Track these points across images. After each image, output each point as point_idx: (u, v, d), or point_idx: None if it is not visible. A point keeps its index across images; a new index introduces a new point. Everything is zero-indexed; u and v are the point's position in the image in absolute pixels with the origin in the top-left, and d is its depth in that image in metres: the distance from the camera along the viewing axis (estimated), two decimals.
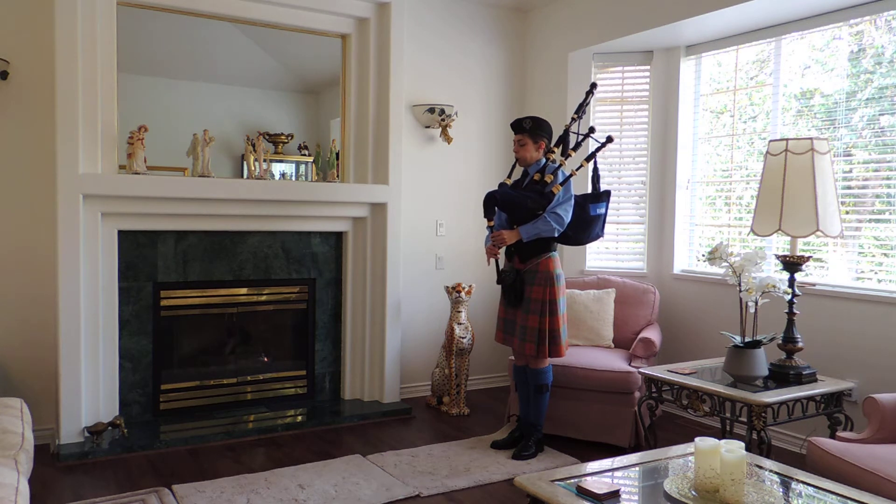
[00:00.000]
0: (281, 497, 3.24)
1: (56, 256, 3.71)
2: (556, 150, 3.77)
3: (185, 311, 4.27)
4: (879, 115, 3.75)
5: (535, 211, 3.62)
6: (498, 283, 3.79)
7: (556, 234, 3.67)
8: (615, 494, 2.24)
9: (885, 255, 3.78)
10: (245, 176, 4.37)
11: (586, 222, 3.79)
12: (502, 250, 3.81)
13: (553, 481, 2.36)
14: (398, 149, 4.63)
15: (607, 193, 3.85)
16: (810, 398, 3.17)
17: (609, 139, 3.78)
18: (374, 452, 3.86)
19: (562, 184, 3.64)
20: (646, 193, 4.92)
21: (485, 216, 3.78)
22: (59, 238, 3.67)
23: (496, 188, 3.83)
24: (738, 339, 3.25)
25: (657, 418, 3.85)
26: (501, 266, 3.84)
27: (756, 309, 3.25)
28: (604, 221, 3.86)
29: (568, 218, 3.67)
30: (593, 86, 3.86)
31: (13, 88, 3.77)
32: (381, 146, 4.63)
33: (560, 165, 3.71)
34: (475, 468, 3.64)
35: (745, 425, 3.04)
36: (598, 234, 3.88)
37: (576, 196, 3.76)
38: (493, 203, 3.71)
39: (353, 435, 4.19)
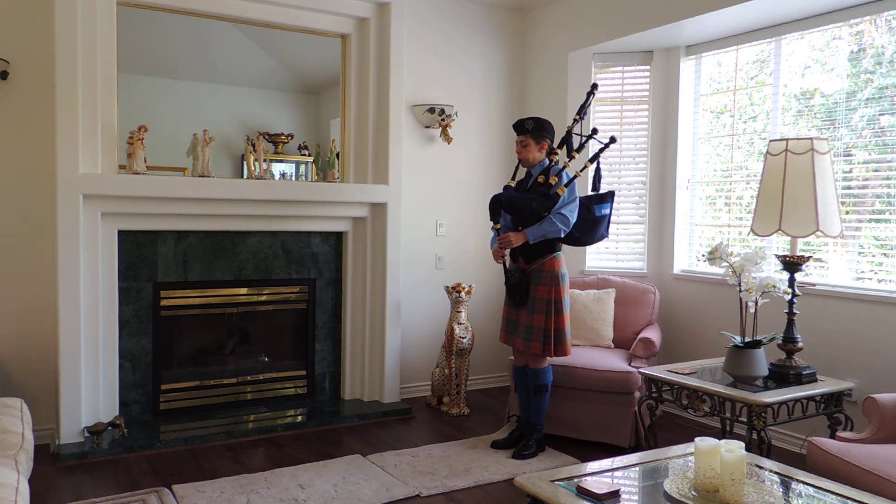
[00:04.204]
0: (281, 497, 3.24)
1: (56, 256, 3.71)
2: (559, 151, 3.78)
3: (185, 311, 4.27)
4: (879, 115, 3.75)
5: (541, 213, 3.63)
6: (506, 284, 3.80)
7: (562, 235, 3.68)
8: (615, 494, 2.24)
9: (885, 255, 3.78)
10: (245, 176, 4.37)
11: (592, 223, 3.80)
12: (508, 251, 3.81)
13: (553, 481, 2.36)
14: (398, 149, 4.62)
15: (611, 194, 3.86)
16: (810, 398, 3.17)
17: (612, 140, 3.79)
18: (374, 452, 3.86)
19: (566, 185, 3.65)
20: (646, 193, 4.92)
21: (490, 219, 3.79)
22: (59, 238, 3.67)
23: (500, 191, 3.84)
24: (738, 339, 3.25)
25: (657, 418, 3.85)
26: (507, 266, 3.84)
27: (756, 309, 3.25)
28: (609, 221, 3.87)
29: (573, 218, 3.68)
30: (594, 86, 3.87)
31: (13, 88, 3.77)
32: (381, 146, 4.63)
33: (564, 167, 3.71)
34: (475, 468, 3.64)
35: (745, 425, 3.04)
36: (604, 235, 3.89)
37: (581, 197, 3.77)
38: (499, 206, 3.72)
39: (353, 435, 4.19)
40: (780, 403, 3.04)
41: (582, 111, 3.81)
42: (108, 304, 3.92)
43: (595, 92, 3.85)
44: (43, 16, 3.78)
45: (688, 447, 2.67)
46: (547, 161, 3.76)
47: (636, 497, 2.37)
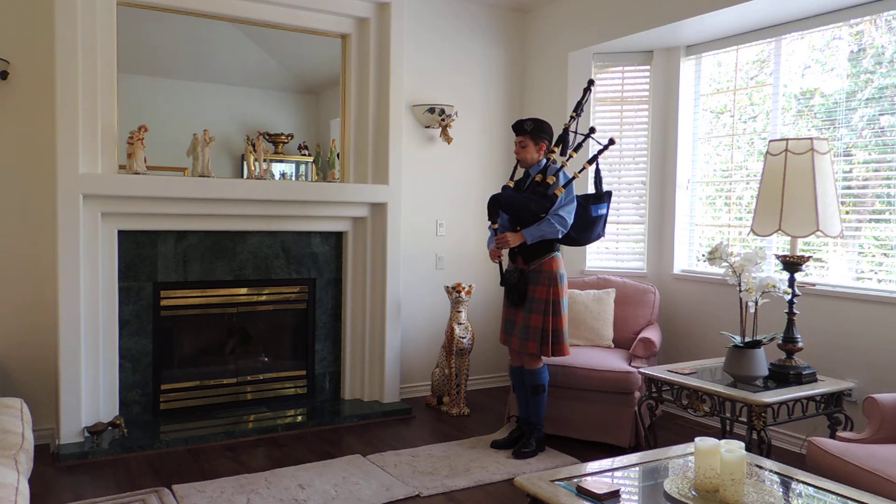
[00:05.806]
0: (281, 497, 3.24)
1: (56, 256, 3.71)
2: (556, 150, 3.77)
3: (185, 311, 4.27)
4: (879, 115, 3.75)
5: (539, 213, 3.63)
6: (501, 284, 3.80)
7: (560, 236, 3.68)
8: (615, 494, 2.24)
9: (885, 255, 3.78)
10: (245, 176, 4.37)
11: (588, 223, 3.81)
12: (505, 252, 3.81)
13: (553, 481, 2.36)
14: (398, 149, 4.62)
15: (608, 194, 3.86)
16: (810, 398, 3.17)
17: (611, 142, 3.78)
18: (374, 452, 3.86)
19: (564, 186, 3.65)
20: (646, 193, 4.92)
21: (489, 219, 3.79)
22: (59, 238, 3.67)
23: (499, 191, 3.84)
24: (738, 339, 3.25)
25: (657, 418, 3.85)
26: (505, 267, 3.84)
27: (756, 309, 3.25)
28: (605, 222, 3.88)
29: (571, 219, 3.68)
30: (591, 82, 3.85)
31: (13, 88, 3.77)
32: (381, 146, 4.63)
33: (562, 167, 3.71)
34: (475, 468, 3.64)
35: (745, 425, 3.04)
36: (600, 234, 3.90)
37: (578, 197, 3.77)
38: (497, 206, 3.72)
39: (353, 435, 4.19)
40: (780, 403, 3.04)
41: (579, 107, 3.81)
42: (108, 304, 3.92)
43: (592, 88, 3.84)
44: (43, 16, 3.78)
45: (688, 447, 2.67)
46: (544, 160, 3.76)
47: (636, 497, 2.37)
